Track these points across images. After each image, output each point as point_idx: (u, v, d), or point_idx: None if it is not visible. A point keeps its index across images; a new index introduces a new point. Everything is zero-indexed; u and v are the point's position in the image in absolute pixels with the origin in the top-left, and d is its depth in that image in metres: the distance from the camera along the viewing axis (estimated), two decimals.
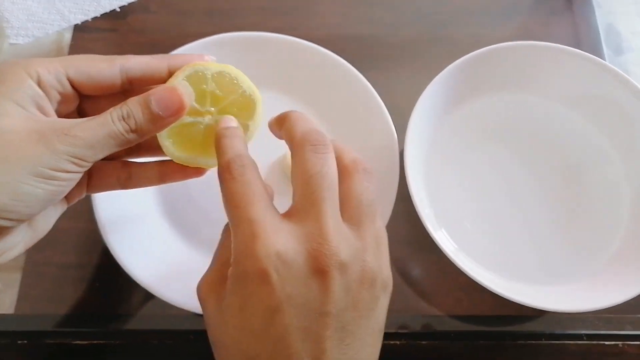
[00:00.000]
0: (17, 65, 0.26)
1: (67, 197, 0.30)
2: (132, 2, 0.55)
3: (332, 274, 0.24)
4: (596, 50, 0.56)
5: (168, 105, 0.27)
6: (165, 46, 0.47)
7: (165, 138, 0.30)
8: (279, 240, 0.24)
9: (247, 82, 0.31)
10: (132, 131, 0.27)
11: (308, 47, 0.47)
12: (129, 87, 0.29)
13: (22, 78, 0.25)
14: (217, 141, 0.28)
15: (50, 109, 0.27)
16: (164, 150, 0.30)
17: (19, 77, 0.25)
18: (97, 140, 0.25)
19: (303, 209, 0.26)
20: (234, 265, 0.25)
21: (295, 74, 0.48)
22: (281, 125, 0.30)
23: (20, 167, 0.24)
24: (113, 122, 0.26)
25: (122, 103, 0.27)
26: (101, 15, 0.54)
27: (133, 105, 0.27)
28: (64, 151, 0.24)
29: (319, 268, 0.24)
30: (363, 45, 0.55)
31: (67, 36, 0.55)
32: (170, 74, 0.30)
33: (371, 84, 0.46)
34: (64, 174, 0.25)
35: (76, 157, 0.25)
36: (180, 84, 0.28)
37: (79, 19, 0.54)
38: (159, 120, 0.27)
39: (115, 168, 0.32)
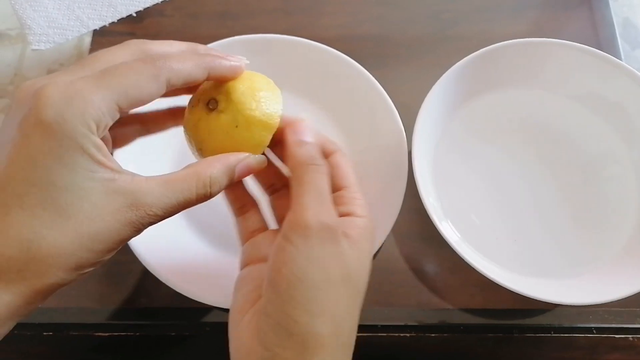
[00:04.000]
0: (73, 121, 0.23)
1: None
2: (148, 7, 0.57)
3: None
4: (612, 45, 0.56)
5: (246, 174, 0.29)
6: None
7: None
8: None
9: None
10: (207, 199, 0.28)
11: (316, 48, 0.47)
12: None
13: (83, 137, 0.23)
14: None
15: (107, 150, 0.25)
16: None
17: (80, 139, 0.23)
18: (172, 214, 0.26)
19: None
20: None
21: (304, 74, 0.48)
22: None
23: (106, 250, 0.25)
24: (197, 200, 0.27)
25: (208, 173, 0.27)
26: (118, 20, 0.56)
27: (220, 177, 0.28)
28: (144, 228, 0.26)
29: None
30: (372, 44, 0.56)
31: (87, 40, 0.57)
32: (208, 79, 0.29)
33: (381, 82, 0.46)
34: None
35: (150, 225, 0.26)
36: (258, 158, 0.30)
37: (97, 24, 0.55)
38: (231, 183, 0.29)
39: (131, 122, 0.32)
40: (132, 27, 0.57)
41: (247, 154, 0.29)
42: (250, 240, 0.33)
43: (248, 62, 0.30)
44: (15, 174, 0.23)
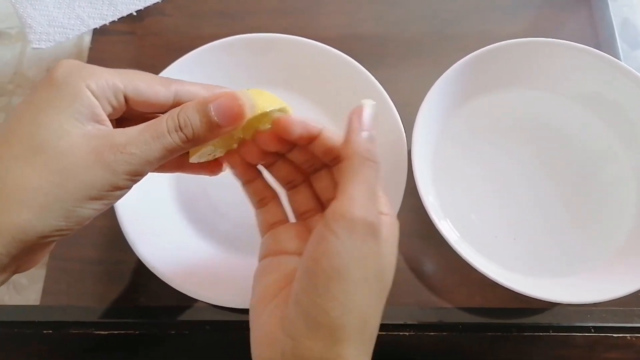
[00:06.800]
0: (76, 76, 0.25)
1: None
2: (148, 6, 0.57)
3: None
4: (611, 45, 0.56)
5: (228, 114, 0.27)
6: (180, 47, 0.48)
7: None
8: None
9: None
10: (188, 141, 0.26)
11: (316, 47, 0.48)
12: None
13: (80, 89, 0.25)
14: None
15: (104, 115, 0.26)
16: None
17: (76, 90, 0.25)
18: (153, 156, 0.25)
19: None
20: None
21: (304, 73, 0.49)
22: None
23: (77, 193, 0.24)
24: (169, 133, 0.26)
25: (177, 110, 0.27)
26: (118, 19, 0.56)
27: (190, 113, 0.26)
28: (122, 171, 0.25)
29: None
30: (371, 44, 0.56)
31: (87, 39, 0.57)
32: None
33: (380, 81, 0.46)
34: (118, 191, 0.26)
35: (133, 174, 0.25)
36: (242, 93, 0.27)
37: (97, 23, 0.55)
38: (216, 130, 0.27)
39: None
40: (133, 26, 0.57)
41: (225, 92, 0.28)
42: (270, 232, 0.33)
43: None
44: (11, 117, 0.25)
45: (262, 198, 0.34)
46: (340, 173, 0.28)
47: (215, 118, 0.27)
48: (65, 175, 0.24)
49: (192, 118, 0.26)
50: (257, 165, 0.33)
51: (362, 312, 0.26)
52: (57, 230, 0.24)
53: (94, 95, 0.25)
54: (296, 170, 0.33)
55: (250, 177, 0.33)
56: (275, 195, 0.34)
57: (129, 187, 0.26)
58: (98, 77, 0.25)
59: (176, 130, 0.26)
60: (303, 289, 0.26)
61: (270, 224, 0.33)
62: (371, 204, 0.27)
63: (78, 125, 0.25)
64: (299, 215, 0.34)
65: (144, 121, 0.28)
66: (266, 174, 0.34)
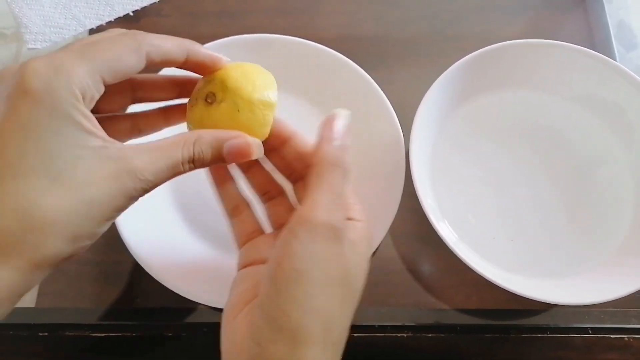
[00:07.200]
0: (59, 88, 0.23)
1: None
2: (145, 7, 0.57)
3: None
4: (607, 47, 0.56)
5: (237, 154, 0.28)
6: None
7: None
8: None
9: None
10: (195, 168, 0.28)
11: (314, 48, 0.48)
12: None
13: (70, 105, 0.23)
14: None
15: (97, 124, 0.25)
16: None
17: (67, 107, 0.23)
18: (163, 180, 0.27)
19: None
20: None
21: (302, 74, 0.48)
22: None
23: (101, 218, 0.25)
24: (182, 164, 0.27)
25: (193, 140, 0.27)
26: (115, 19, 0.56)
27: (205, 148, 0.27)
28: (138, 195, 0.26)
29: None
30: (370, 44, 0.56)
31: None
32: (186, 63, 0.29)
33: (379, 82, 0.46)
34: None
35: (143, 194, 0.26)
36: (254, 141, 0.29)
37: (94, 23, 0.55)
38: (220, 162, 0.28)
39: (122, 121, 0.32)
40: (129, 26, 0.56)
41: (239, 132, 0.29)
42: (249, 242, 0.33)
43: (228, 59, 0.31)
44: (6, 144, 0.23)
45: (236, 206, 0.34)
46: (308, 179, 0.28)
47: (226, 156, 0.28)
48: (91, 204, 0.24)
49: (205, 152, 0.27)
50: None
51: (324, 315, 0.26)
52: (81, 248, 0.25)
53: (84, 104, 0.24)
54: (272, 180, 0.34)
55: (222, 177, 0.34)
56: (248, 205, 0.34)
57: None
58: (76, 79, 0.24)
59: (189, 162, 0.27)
60: (266, 293, 0.26)
61: (247, 234, 0.33)
62: (335, 208, 0.27)
63: (86, 146, 0.24)
64: (277, 228, 0.34)
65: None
66: (242, 187, 0.34)
